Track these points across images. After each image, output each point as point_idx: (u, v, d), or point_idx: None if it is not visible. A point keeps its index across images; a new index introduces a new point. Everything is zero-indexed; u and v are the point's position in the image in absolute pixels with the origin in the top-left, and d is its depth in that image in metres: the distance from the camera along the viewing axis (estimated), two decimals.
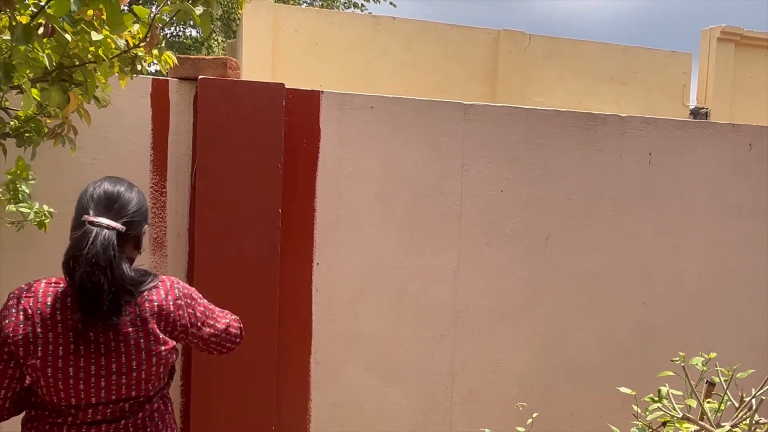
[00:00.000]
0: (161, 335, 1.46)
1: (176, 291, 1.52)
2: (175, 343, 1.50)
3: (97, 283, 1.33)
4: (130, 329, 1.41)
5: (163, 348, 1.46)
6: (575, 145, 2.69)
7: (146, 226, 1.54)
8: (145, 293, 1.45)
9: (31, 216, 2.06)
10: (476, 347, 2.64)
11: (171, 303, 1.49)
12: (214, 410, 2.25)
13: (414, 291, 2.56)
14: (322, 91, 2.44)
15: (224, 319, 1.67)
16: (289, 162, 2.38)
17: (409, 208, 2.54)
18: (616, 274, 2.78)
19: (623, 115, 2.79)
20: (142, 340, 1.43)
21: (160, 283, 1.50)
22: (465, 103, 2.57)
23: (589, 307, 2.75)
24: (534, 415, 2.29)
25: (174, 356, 1.51)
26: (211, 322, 1.61)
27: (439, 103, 2.55)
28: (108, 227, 1.38)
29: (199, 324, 1.57)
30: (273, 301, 2.30)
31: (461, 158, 2.57)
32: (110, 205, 1.44)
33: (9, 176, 2.00)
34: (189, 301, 1.55)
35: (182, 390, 2.35)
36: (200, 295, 1.63)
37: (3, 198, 2.01)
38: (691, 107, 8.17)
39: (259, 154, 2.28)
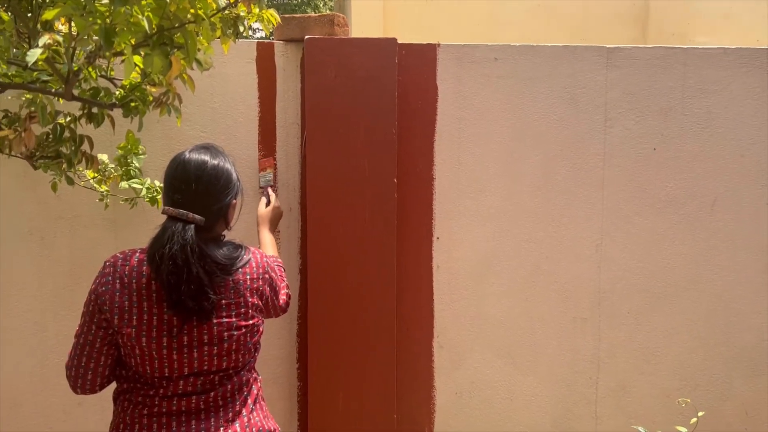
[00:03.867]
0: (252, 308, 1.53)
1: (266, 264, 1.61)
2: (263, 314, 1.60)
3: (177, 282, 1.40)
4: (224, 302, 1.47)
5: (252, 321, 1.53)
6: (749, 90, 2.31)
7: (235, 200, 1.57)
8: (240, 268, 1.51)
9: (143, 192, 2.10)
10: (626, 333, 2.37)
11: (260, 277, 1.57)
12: (332, 396, 2.21)
13: (549, 268, 2.35)
14: (439, 44, 2.28)
15: (283, 291, 1.77)
16: (404, 126, 2.26)
17: (542, 172, 2.32)
18: None
19: None
20: (234, 313, 1.49)
21: (251, 257, 1.57)
22: (607, 46, 2.29)
23: None
24: (699, 414, 2.01)
25: (263, 327, 1.59)
26: (279, 299, 1.72)
27: (575, 49, 2.29)
28: (186, 221, 1.44)
29: (273, 296, 1.66)
30: (390, 280, 2.21)
31: (603, 112, 2.30)
32: (194, 184, 1.49)
33: (120, 151, 2.05)
34: (272, 274, 1.64)
35: (299, 374, 2.32)
36: (278, 268, 1.76)
37: (115, 174, 2.06)
38: None
39: (371, 119, 2.18)
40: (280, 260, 1.89)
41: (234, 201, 1.57)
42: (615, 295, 2.37)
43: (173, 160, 1.53)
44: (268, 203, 2.12)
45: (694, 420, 1.96)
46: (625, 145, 2.32)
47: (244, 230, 2.09)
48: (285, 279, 1.81)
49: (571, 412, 2.40)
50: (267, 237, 2.02)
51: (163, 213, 1.48)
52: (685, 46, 2.31)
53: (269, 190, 2.18)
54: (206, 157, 1.52)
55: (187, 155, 1.53)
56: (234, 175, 1.56)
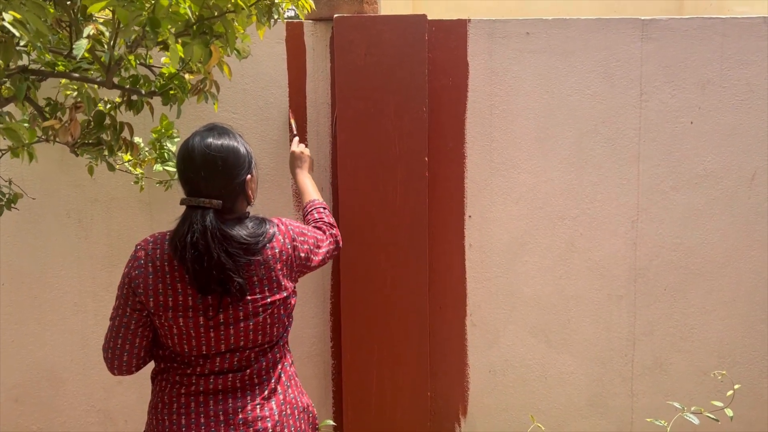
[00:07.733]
0: (284, 281, 1.69)
1: (291, 233, 1.76)
2: (294, 285, 1.76)
3: (201, 269, 1.56)
4: (255, 279, 1.64)
5: (284, 294, 1.70)
6: None
7: (250, 175, 1.70)
8: (267, 244, 1.66)
9: (178, 175, 2.37)
10: (662, 310, 2.62)
11: (289, 246, 1.73)
12: (365, 374, 2.47)
13: (584, 245, 2.59)
14: (469, 20, 2.49)
15: (321, 250, 1.90)
16: (435, 104, 2.48)
17: (576, 148, 2.54)
18: None
19: None
20: (266, 288, 1.66)
21: (276, 229, 1.72)
22: (642, 18, 2.49)
23: None
24: (735, 386, 2.25)
25: (295, 299, 1.76)
26: (317, 255, 1.87)
27: (609, 22, 2.49)
28: (205, 207, 1.58)
29: (311, 257, 1.83)
30: (423, 259, 2.44)
31: (639, 86, 2.52)
32: (203, 170, 1.61)
33: (154, 135, 2.32)
34: (302, 239, 1.80)
35: (332, 352, 2.61)
36: (305, 228, 1.86)
37: (150, 157, 2.35)
38: None
39: (401, 97, 2.39)
40: (324, 203, 2.08)
41: (249, 176, 1.68)
42: (651, 272, 2.60)
43: (179, 150, 1.66)
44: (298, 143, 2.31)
45: (729, 393, 2.19)
46: (661, 119, 2.53)
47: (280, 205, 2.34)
48: (326, 230, 1.96)
49: (606, 389, 2.66)
50: (306, 180, 2.19)
51: (181, 204, 1.61)
52: (724, 16, 2.50)
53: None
54: (210, 140, 1.63)
55: (191, 142, 1.63)
56: (242, 150, 1.67)
